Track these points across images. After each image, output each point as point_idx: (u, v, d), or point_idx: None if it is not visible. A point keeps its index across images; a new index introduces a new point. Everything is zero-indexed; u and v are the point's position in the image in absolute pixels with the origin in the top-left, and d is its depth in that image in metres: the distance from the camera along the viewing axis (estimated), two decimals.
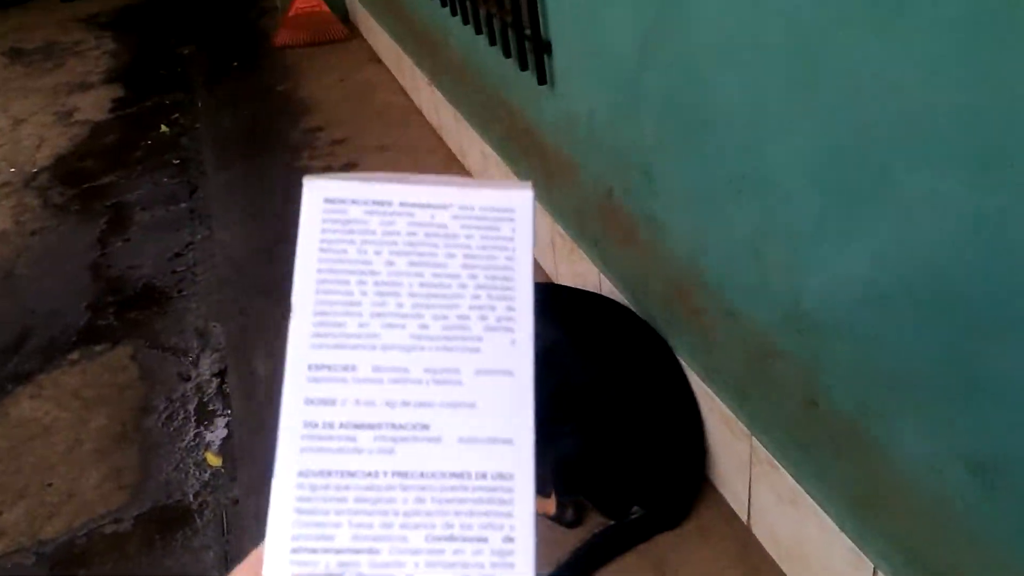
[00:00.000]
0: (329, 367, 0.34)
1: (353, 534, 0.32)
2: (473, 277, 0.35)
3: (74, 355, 2.44)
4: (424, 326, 0.35)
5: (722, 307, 1.42)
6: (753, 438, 1.45)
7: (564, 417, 1.58)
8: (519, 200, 0.37)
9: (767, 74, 1.10)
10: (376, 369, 0.34)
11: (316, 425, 0.33)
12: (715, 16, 1.19)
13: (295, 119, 3.74)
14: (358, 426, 0.33)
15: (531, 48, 1.91)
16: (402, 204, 0.36)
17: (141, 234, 3.08)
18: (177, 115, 4.09)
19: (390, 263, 0.35)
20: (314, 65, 4.35)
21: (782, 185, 1.15)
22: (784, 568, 1.50)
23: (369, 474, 0.33)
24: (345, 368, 0.34)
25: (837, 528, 1.28)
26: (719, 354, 1.50)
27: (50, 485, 1.98)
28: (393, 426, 0.33)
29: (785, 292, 1.22)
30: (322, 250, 0.35)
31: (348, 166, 3.21)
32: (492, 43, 2.20)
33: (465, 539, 0.32)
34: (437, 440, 0.33)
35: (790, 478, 1.37)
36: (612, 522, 1.62)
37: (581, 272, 2.03)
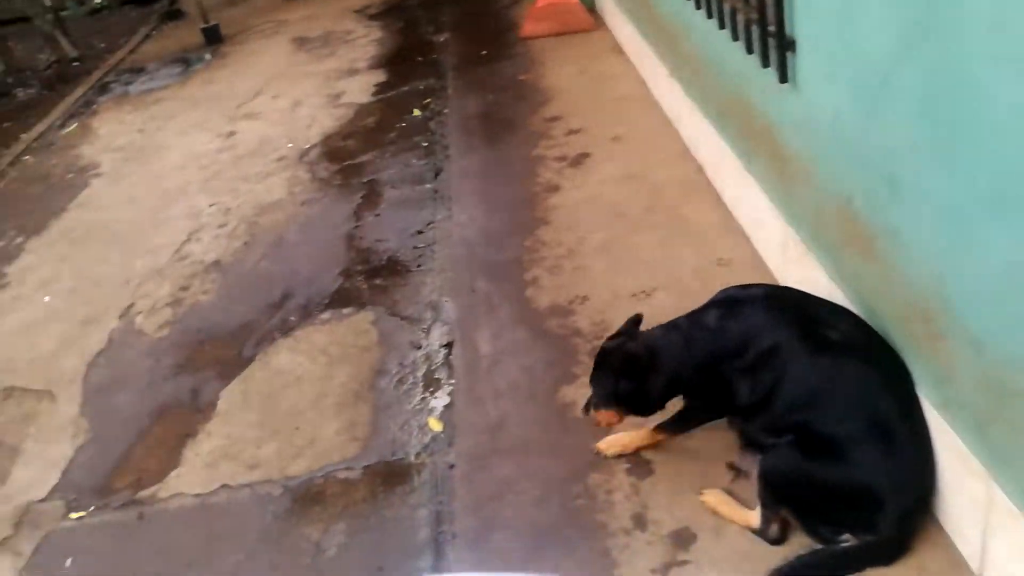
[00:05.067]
0: None
1: None
2: None
3: (326, 315, 2.73)
4: None
5: (967, 336, 1.30)
6: (992, 481, 1.31)
7: (784, 425, 1.53)
8: None
9: None
10: None
11: None
12: (994, 9, 1.08)
13: (535, 107, 3.87)
14: None
15: (774, 45, 1.84)
16: None
17: (390, 210, 3.35)
18: (429, 100, 4.38)
19: None
20: (557, 54, 4.46)
21: None
22: None
23: None
24: None
25: None
26: (957, 384, 1.37)
27: (297, 429, 2.24)
28: None
29: None
30: None
31: (581, 156, 3.27)
32: (734, 38, 2.15)
33: None
34: None
35: None
36: (818, 546, 1.53)
37: (812, 279, 1.93)
